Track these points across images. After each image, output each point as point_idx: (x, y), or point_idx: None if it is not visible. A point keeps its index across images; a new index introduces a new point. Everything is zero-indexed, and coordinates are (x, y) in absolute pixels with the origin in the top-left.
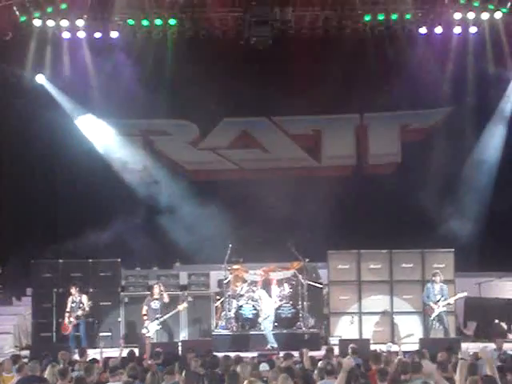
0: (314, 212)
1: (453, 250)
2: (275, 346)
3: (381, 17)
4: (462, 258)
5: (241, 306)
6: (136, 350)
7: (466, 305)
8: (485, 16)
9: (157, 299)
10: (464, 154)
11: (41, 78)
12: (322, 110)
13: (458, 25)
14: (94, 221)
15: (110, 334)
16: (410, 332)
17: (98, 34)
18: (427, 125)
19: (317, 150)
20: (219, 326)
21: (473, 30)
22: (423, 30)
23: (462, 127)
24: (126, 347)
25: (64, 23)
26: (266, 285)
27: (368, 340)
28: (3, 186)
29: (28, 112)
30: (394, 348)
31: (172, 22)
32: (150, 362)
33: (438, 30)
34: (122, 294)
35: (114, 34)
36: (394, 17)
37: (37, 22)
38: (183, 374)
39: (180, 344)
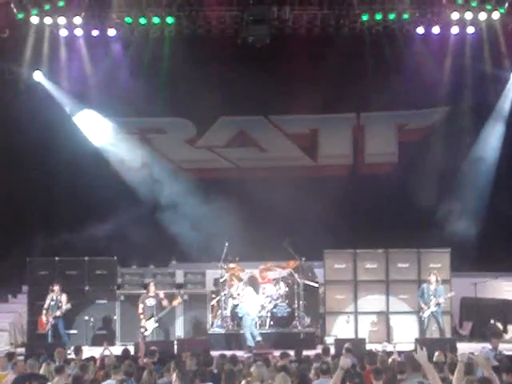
0: (311, 211)
1: (449, 249)
2: (252, 345)
3: (378, 16)
4: (458, 257)
5: (237, 305)
6: (131, 348)
7: (462, 305)
8: (482, 16)
9: (152, 297)
10: (461, 154)
11: (38, 76)
12: (319, 109)
13: (456, 25)
14: (91, 219)
15: (105, 332)
16: (406, 332)
17: (95, 32)
18: (424, 125)
19: (314, 149)
20: (215, 325)
21: (470, 30)
22: (421, 30)
23: (459, 127)
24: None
25: (61, 21)
26: (254, 283)
27: (364, 339)
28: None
29: (25, 109)
30: (390, 348)
31: (169, 20)
32: (145, 360)
33: (436, 29)
34: (118, 291)
35: (112, 32)
36: (391, 16)
37: (34, 20)
38: (176, 372)
39: (176, 343)
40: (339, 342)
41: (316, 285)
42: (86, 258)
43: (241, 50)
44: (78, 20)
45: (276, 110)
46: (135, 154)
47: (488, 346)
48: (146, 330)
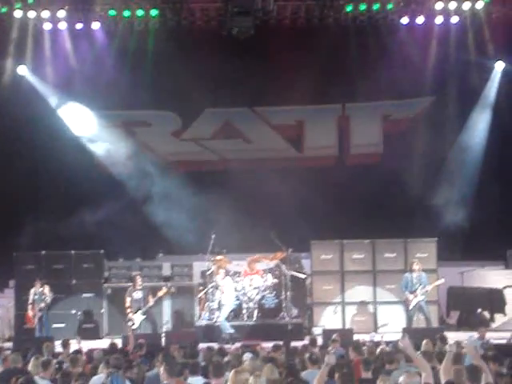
0: (297, 202)
1: (436, 239)
2: (226, 336)
3: (362, 7)
4: (444, 247)
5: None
6: (119, 342)
7: (449, 294)
8: (466, 6)
9: (140, 290)
10: (448, 143)
11: (22, 70)
12: (305, 100)
13: (440, 14)
14: (77, 212)
15: (93, 325)
16: (393, 321)
17: (79, 25)
18: (410, 115)
19: (299, 140)
20: (202, 317)
21: (454, 19)
22: (405, 20)
23: (444, 117)
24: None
25: (45, 14)
26: (234, 275)
27: (351, 330)
28: None
29: (10, 103)
30: (377, 338)
31: (154, 12)
32: (133, 353)
33: (420, 19)
34: (105, 285)
35: (96, 25)
36: (375, 7)
37: (18, 13)
38: (164, 364)
39: (163, 335)
40: (327, 333)
41: (303, 276)
42: (73, 252)
43: (225, 41)
44: (61, 13)
45: (261, 102)
46: (120, 147)
47: (475, 334)
48: (133, 323)
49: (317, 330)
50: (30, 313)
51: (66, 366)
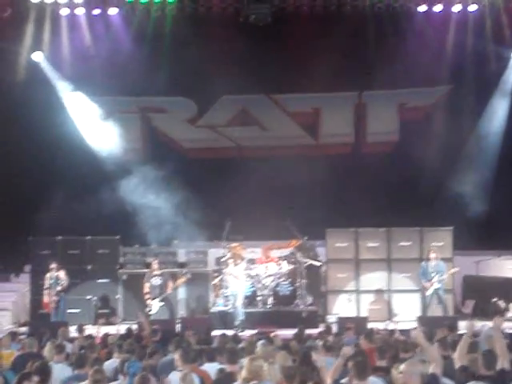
0: (313, 190)
1: (451, 227)
2: (239, 323)
3: None
4: (460, 235)
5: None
6: (135, 327)
7: (465, 283)
8: None
9: (158, 275)
10: (464, 131)
11: (37, 56)
12: (321, 87)
13: (458, 3)
14: (92, 197)
15: (108, 310)
16: (408, 310)
17: (96, 11)
18: (426, 103)
19: (315, 127)
20: (217, 304)
21: (473, 7)
22: (423, 8)
23: (462, 105)
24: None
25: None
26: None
27: (365, 318)
28: None
29: (25, 89)
30: (392, 326)
31: None
32: (147, 339)
33: (438, 7)
34: (120, 271)
35: (113, 11)
36: None
37: None
38: (179, 351)
39: (178, 321)
40: (341, 321)
41: (318, 263)
42: (88, 237)
43: (242, 28)
44: None
45: (278, 89)
46: (135, 134)
47: (490, 324)
48: (151, 309)
49: (331, 318)
50: (46, 298)
51: (82, 351)
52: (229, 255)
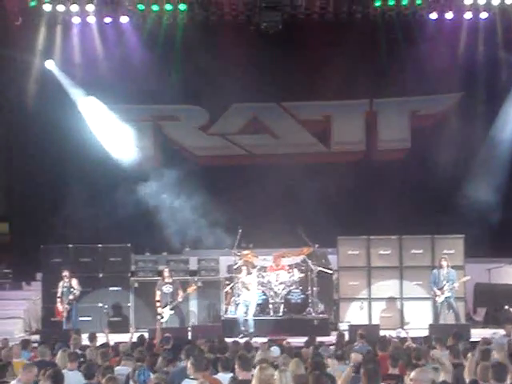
0: (324, 197)
1: (463, 235)
2: (247, 332)
3: (391, 2)
4: (472, 243)
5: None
6: (146, 335)
7: (476, 291)
8: (495, 1)
9: (169, 283)
10: (476, 138)
11: (50, 64)
12: (332, 95)
13: (469, 10)
14: (104, 207)
15: (119, 319)
16: (420, 318)
17: (108, 19)
18: (437, 110)
19: (326, 135)
20: (229, 312)
21: (484, 15)
22: (434, 16)
23: (473, 112)
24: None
25: (74, 8)
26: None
27: (377, 326)
28: (12, 171)
29: (37, 97)
30: (403, 334)
31: (182, 6)
32: (158, 347)
33: (449, 15)
34: (131, 279)
35: (124, 19)
36: (404, 2)
37: (47, 7)
38: (190, 359)
39: (190, 329)
40: (353, 329)
41: (330, 271)
42: (100, 246)
43: (254, 36)
44: (90, 7)
45: (289, 97)
46: (148, 141)
47: (501, 331)
48: (162, 317)
49: (342, 326)
50: (60, 306)
51: (93, 359)
52: (240, 263)
